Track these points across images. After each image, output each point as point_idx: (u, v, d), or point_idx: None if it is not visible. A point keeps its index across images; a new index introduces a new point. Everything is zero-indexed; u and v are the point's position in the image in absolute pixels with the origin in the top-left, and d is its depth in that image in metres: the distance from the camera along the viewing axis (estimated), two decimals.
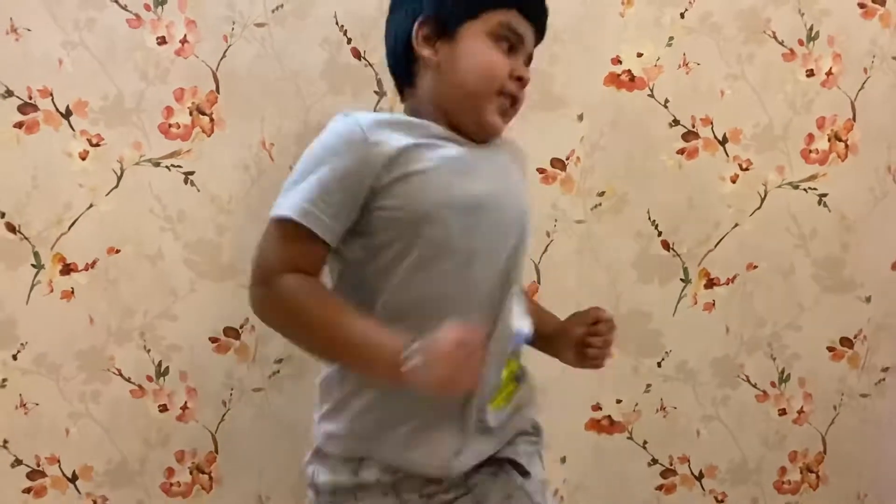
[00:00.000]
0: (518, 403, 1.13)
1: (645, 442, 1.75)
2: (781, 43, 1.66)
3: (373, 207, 1.01)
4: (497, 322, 1.05)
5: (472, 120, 1.08)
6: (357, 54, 1.58)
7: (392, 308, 1.02)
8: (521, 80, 1.08)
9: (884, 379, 1.79)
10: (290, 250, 1.02)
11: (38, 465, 1.61)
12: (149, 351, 1.61)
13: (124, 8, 1.51)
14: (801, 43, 1.66)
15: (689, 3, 1.62)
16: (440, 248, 1.01)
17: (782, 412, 1.77)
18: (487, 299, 1.04)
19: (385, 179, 1.00)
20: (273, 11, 1.55)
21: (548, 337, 1.19)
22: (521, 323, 1.06)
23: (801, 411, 1.78)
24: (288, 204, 1.01)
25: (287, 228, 1.01)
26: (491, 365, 1.03)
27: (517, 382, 1.13)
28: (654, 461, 1.76)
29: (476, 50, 1.06)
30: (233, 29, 1.54)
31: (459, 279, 1.02)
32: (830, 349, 1.77)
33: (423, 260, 1.02)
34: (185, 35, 1.53)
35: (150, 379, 1.62)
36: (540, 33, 1.13)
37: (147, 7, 1.52)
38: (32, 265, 1.56)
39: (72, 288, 1.57)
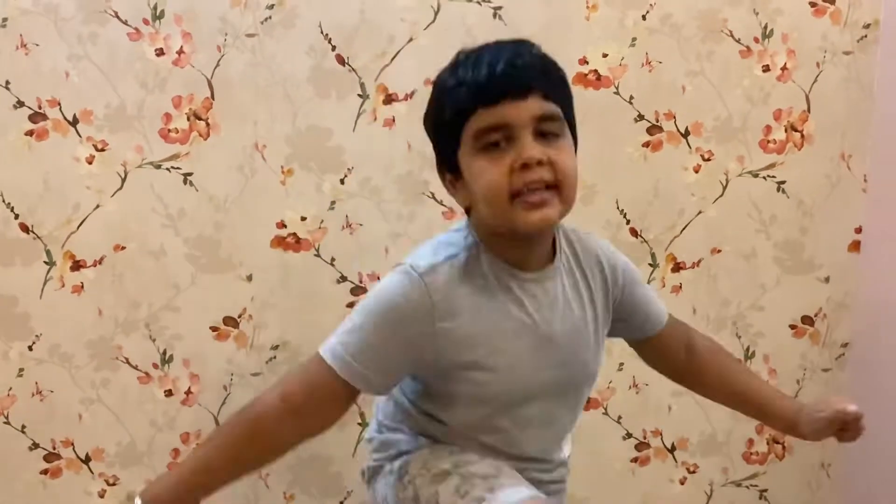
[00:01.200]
0: None
1: (619, 417, 1.87)
2: (738, 41, 1.77)
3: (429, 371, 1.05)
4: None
5: (513, 231, 1.00)
6: (341, 60, 1.69)
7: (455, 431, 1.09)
8: (527, 167, 0.95)
9: (843, 354, 1.90)
10: (322, 388, 1.04)
11: (54, 448, 1.73)
12: (154, 340, 1.73)
13: (125, 23, 1.64)
14: (756, 40, 1.77)
15: (651, 5, 1.73)
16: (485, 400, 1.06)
17: None
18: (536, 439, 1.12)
19: (443, 362, 1.03)
20: (262, 23, 1.66)
21: (777, 421, 1.26)
22: (566, 449, 1.20)
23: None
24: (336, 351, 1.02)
25: (326, 371, 1.03)
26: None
27: None
28: (629, 435, 1.88)
29: (473, 175, 0.99)
30: (225, 40, 1.66)
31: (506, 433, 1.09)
32: (792, 327, 1.88)
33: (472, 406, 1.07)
34: (182, 46, 1.65)
35: (155, 366, 1.74)
36: (537, 89, 0.97)
37: (146, 21, 1.64)
38: (45, 262, 1.68)
39: (81, 283, 1.70)
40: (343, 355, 1.00)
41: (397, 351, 1.01)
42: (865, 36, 1.79)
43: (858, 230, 1.85)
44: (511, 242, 1.03)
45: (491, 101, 0.95)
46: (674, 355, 1.27)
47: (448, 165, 1.03)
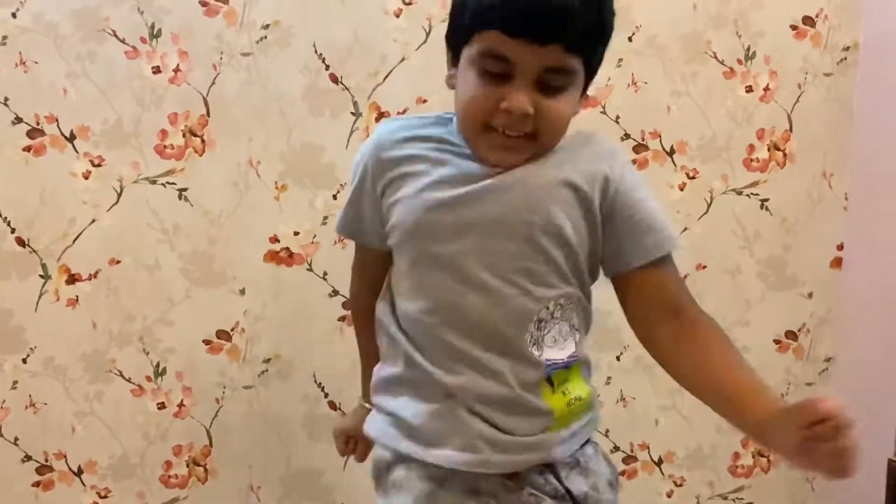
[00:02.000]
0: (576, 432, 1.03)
1: (607, 431, 1.89)
2: (722, 62, 1.82)
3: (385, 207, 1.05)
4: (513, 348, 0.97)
5: (473, 152, 0.98)
6: (335, 79, 1.73)
7: (402, 316, 1.03)
8: (510, 113, 0.91)
9: (827, 369, 1.93)
10: (355, 259, 1.21)
11: (47, 461, 1.74)
12: (147, 353, 1.75)
13: (122, 41, 1.67)
14: (739, 62, 1.82)
15: (637, 27, 1.78)
16: (425, 255, 0.99)
17: None
18: (494, 323, 0.97)
19: (381, 189, 1.04)
20: (257, 42, 1.70)
21: (752, 425, 0.91)
22: (551, 352, 0.99)
23: None
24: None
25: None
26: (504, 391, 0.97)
27: (575, 410, 1.02)
28: (616, 448, 1.90)
29: (463, 84, 0.96)
30: (221, 58, 1.70)
31: (449, 293, 0.97)
32: (777, 342, 1.91)
33: (413, 266, 1.01)
34: (178, 64, 1.69)
35: (148, 379, 1.76)
36: (562, 40, 0.89)
37: (143, 40, 1.68)
38: (40, 276, 1.70)
39: (76, 296, 1.72)
40: (339, 220, 1.15)
41: (356, 194, 1.09)
42: (845, 58, 1.84)
43: (840, 247, 1.89)
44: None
45: (511, 32, 0.89)
46: (652, 312, 1.00)
47: (453, 49, 0.99)
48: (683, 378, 0.99)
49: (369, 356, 1.17)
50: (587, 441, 1.06)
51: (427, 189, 0.99)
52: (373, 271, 1.14)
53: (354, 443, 1.28)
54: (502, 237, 0.96)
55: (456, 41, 0.97)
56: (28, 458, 1.74)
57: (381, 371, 1.08)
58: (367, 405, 1.18)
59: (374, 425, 1.07)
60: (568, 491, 1.00)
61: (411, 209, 1.00)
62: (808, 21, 1.82)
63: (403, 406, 1.01)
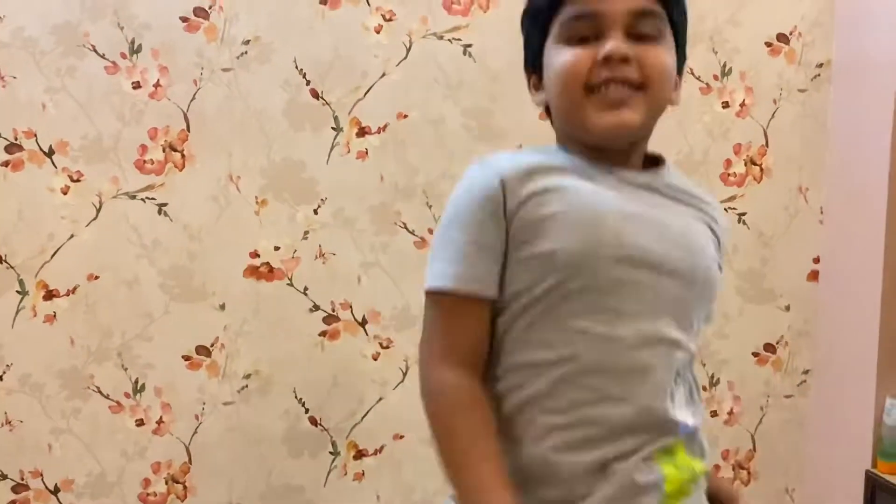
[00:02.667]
0: None
1: None
2: (698, 78, 1.84)
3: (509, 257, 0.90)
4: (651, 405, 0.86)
5: (584, 131, 0.90)
6: (315, 94, 1.74)
7: (511, 374, 0.89)
8: (609, 60, 0.86)
9: (805, 381, 1.95)
10: (450, 325, 0.90)
11: (23, 479, 1.72)
12: (126, 369, 1.74)
13: (102, 56, 1.67)
14: (716, 78, 1.85)
15: None
16: (570, 296, 0.87)
17: (714, 414, 1.92)
18: (639, 376, 0.87)
19: (515, 224, 0.88)
20: (238, 57, 1.71)
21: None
22: (683, 413, 0.88)
23: (731, 412, 1.93)
24: (436, 273, 0.90)
25: (443, 301, 0.90)
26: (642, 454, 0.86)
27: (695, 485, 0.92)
28: None
29: (552, 64, 0.90)
30: (202, 74, 1.70)
31: (598, 342, 0.86)
32: (755, 354, 1.93)
33: (551, 310, 0.87)
34: (158, 80, 1.69)
35: (127, 395, 1.74)
36: None
37: (123, 55, 1.68)
38: (17, 292, 1.69)
39: (54, 312, 1.70)
40: (448, 273, 0.89)
41: (486, 236, 0.88)
42: (819, 75, 1.87)
43: (816, 260, 1.92)
44: (593, 153, 0.91)
45: None
46: None
47: (533, 62, 0.94)
48: None
49: (498, 461, 0.86)
50: None
51: (594, 194, 0.88)
52: (476, 339, 0.90)
53: None
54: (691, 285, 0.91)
55: (540, 38, 0.92)
56: (3, 476, 1.71)
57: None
58: None
59: None
60: None
61: (583, 217, 0.87)
62: (783, 38, 1.85)
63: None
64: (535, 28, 0.93)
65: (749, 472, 1.96)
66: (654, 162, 0.96)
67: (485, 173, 0.89)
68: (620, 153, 0.91)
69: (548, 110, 0.95)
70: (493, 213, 0.88)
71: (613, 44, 0.86)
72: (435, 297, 0.90)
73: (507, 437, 0.88)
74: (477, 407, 0.87)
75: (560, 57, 0.89)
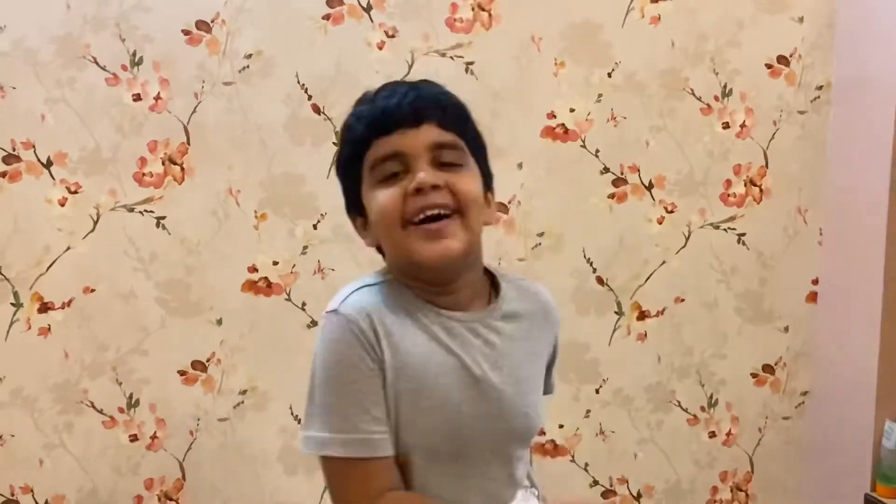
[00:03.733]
0: None
1: (586, 464, 1.88)
2: (699, 99, 1.85)
3: None
4: None
5: (413, 265, 0.94)
6: (317, 109, 1.74)
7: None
8: (421, 190, 0.91)
9: (803, 402, 1.94)
10: (357, 483, 0.94)
11: (13, 495, 1.70)
12: (120, 384, 1.72)
13: (103, 68, 1.66)
14: (716, 99, 1.86)
15: (616, 63, 1.81)
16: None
17: (712, 435, 1.92)
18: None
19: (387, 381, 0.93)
20: (240, 71, 1.70)
21: None
22: None
23: (729, 433, 1.92)
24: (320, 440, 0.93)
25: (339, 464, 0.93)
26: None
27: None
28: (595, 482, 1.89)
29: (371, 206, 0.95)
30: (203, 87, 1.70)
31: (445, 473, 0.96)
32: (754, 375, 1.92)
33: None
34: (159, 92, 1.68)
35: (121, 410, 1.72)
36: (432, 117, 0.94)
37: (124, 67, 1.67)
38: (12, 304, 1.67)
39: (49, 325, 1.69)
40: (331, 439, 0.91)
41: (365, 390, 0.92)
42: (819, 97, 1.88)
43: (815, 281, 1.92)
44: (428, 284, 0.96)
45: (385, 131, 0.94)
46: None
47: (355, 206, 0.99)
48: None
49: None
50: None
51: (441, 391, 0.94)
52: (388, 482, 0.94)
53: None
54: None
55: (355, 183, 0.97)
56: None
57: None
58: None
59: None
60: None
61: (440, 418, 0.94)
62: (783, 60, 1.86)
63: None
64: (349, 176, 0.98)
65: (747, 494, 1.94)
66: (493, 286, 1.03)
67: (343, 327, 0.93)
68: (453, 280, 0.96)
69: (380, 249, 1.00)
70: (361, 369, 0.92)
71: (422, 174, 0.91)
72: (327, 462, 0.95)
73: None
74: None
75: (376, 199, 0.94)
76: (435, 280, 0.96)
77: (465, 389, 0.95)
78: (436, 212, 0.92)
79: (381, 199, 0.93)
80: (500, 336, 0.99)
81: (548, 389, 1.09)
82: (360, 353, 0.92)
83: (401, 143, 0.93)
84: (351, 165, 0.97)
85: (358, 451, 0.91)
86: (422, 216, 0.91)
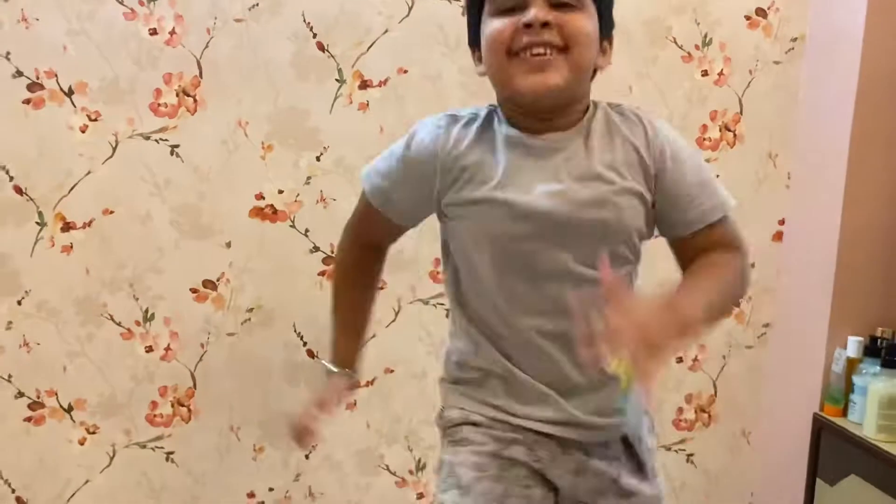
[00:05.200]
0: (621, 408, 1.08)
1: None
2: (681, 47, 1.97)
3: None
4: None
5: (513, 94, 1.01)
6: (321, 47, 1.84)
7: (465, 309, 1.11)
8: (530, 26, 0.96)
9: (765, 333, 2.11)
10: (359, 219, 1.18)
11: (38, 398, 1.85)
12: (137, 299, 1.86)
13: (121, 3, 1.76)
14: (697, 47, 1.97)
15: None
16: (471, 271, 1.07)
17: (680, 360, 2.08)
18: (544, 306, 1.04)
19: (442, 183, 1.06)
20: (249, 9, 1.81)
21: None
22: None
23: (695, 360, 2.09)
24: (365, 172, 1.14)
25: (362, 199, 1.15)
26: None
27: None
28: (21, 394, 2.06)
29: (484, 35, 1.01)
30: (215, 23, 1.80)
31: (491, 302, 1.05)
32: None
33: (463, 275, 1.09)
34: (174, 27, 1.79)
35: (137, 324, 1.87)
36: None
37: (141, 2, 1.77)
38: (37, 223, 1.80)
39: (71, 243, 1.82)
40: (370, 173, 1.12)
41: (412, 171, 1.07)
42: (793, 48, 2.00)
43: (781, 222, 2.07)
44: (525, 114, 1.03)
45: None
46: (686, 263, 1.09)
47: (475, 38, 1.05)
48: None
49: (350, 315, 1.20)
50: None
51: (494, 191, 1.02)
52: (377, 236, 1.19)
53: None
54: (580, 237, 1.02)
55: (477, 16, 1.04)
56: (21, 394, 1.84)
57: (458, 356, 1.13)
58: (345, 371, 1.18)
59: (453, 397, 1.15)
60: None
61: (486, 216, 1.03)
62: (761, 12, 1.97)
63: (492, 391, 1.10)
64: (473, 9, 1.05)
65: (709, 415, 2.12)
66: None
67: (430, 124, 1.08)
68: (550, 113, 1.02)
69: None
70: (416, 165, 1.07)
71: (533, 11, 0.96)
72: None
73: None
74: (348, 270, 1.21)
75: (488, 27, 1.00)
76: (530, 111, 1.02)
77: (534, 171, 1.02)
78: (541, 50, 0.96)
79: (493, 28, 0.99)
80: (580, 149, 1.02)
81: (691, 222, 1.06)
82: (422, 143, 1.07)
83: None
84: (474, 1, 1.04)
85: (371, 192, 1.12)
86: (528, 52, 0.97)
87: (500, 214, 1.02)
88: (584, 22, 0.99)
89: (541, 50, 0.96)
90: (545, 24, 0.96)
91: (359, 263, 1.21)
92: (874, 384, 1.72)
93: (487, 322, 1.08)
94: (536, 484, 1.07)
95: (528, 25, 0.96)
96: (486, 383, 1.10)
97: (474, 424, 1.09)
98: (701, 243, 1.07)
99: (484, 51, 1.02)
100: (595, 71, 1.05)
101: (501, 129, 1.05)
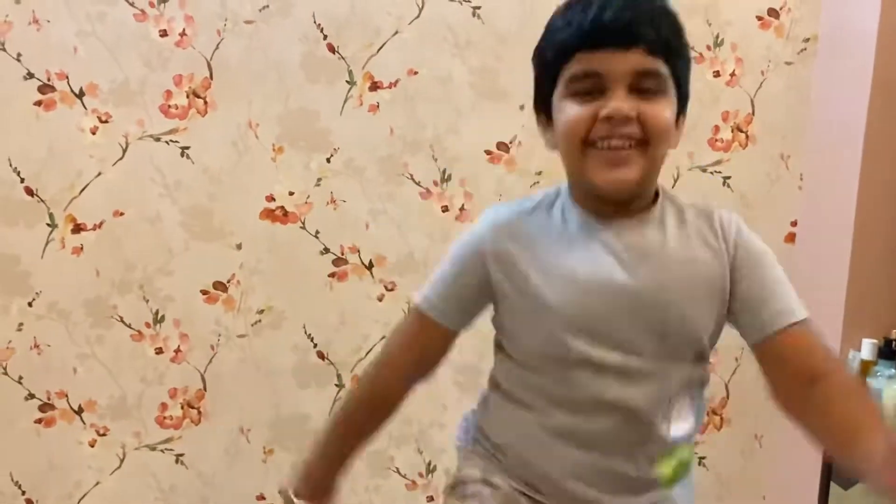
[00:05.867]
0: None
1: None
2: (692, 48, 1.95)
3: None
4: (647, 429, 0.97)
5: (586, 186, 0.96)
6: (332, 49, 1.84)
7: (507, 397, 1.04)
8: (610, 119, 0.90)
9: None
10: (405, 338, 1.09)
11: (49, 399, 1.85)
12: (147, 301, 1.86)
13: (131, 4, 1.77)
14: (708, 48, 1.96)
15: None
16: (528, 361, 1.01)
17: None
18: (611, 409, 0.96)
19: (494, 282, 1.01)
20: (260, 11, 1.81)
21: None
22: (675, 428, 0.98)
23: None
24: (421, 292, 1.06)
25: (413, 311, 1.07)
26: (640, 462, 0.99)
27: (686, 470, 1.02)
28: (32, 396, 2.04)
29: (558, 116, 0.95)
30: (225, 25, 1.80)
31: (558, 384, 0.98)
32: None
33: (518, 364, 1.02)
34: (184, 29, 1.79)
35: (148, 325, 1.87)
36: (642, 42, 0.90)
37: (151, 4, 1.77)
38: (47, 224, 1.80)
39: (81, 245, 1.82)
40: (424, 292, 1.05)
41: (464, 277, 1.03)
42: (805, 49, 1.98)
43: (794, 223, 2.05)
44: (595, 199, 0.98)
45: (591, 47, 0.91)
46: (786, 377, 0.98)
47: (543, 105, 1.00)
48: (811, 436, 0.98)
49: (348, 451, 1.12)
50: None
51: (565, 270, 0.96)
52: (428, 353, 1.08)
53: None
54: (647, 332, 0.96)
55: (549, 86, 0.97)
56: (31, 396, 1.84)
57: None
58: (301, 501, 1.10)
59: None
60: None
61: (563, 291, 0.96)
62: (773, 13, 1.96)
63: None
64: (545, 76, 0.98)
65: (722, 419, 2.11)
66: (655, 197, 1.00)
67: (481, 222, 1.03)
68: (622, 202, 0.97)
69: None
70: (470, 261, 1.02)
71: (615, 104, 0.90)
72: (412, 307, 1.07)
73: None
74: (376, 401, 1.11)
75: (565, 112, 0.94)
76: (605, 202, 0.97)
77: (603, 286, 0.95)
78: (620, 143, 0.91)
79: (570, 114, 0.93)
80: (656, 238, 0.97)
81: (775, 319, 0.97)
82: (472, 256, 1.02)
83: (603, 63, 0.91)
84: (548, 68, 0.96)
85: (427, 307, 1.04)
86: (606, 144, 0.92)
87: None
88: (666, 112, 0.94)
89: (619, 143, 0.92)
90: (627, 118, 0.91)
91: (389, 398, 1.11)
92: (889, 387, 1.70)
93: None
94: None
95: (609, 118, 0.91)
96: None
97: (492, 488, 1.04)
98: (786, 354, 0.98)
99: (559, 134, 0.97)
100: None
101: (572, 216, 1.01)
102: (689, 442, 1.03)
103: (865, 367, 1.79)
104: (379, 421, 1.12)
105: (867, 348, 1.80)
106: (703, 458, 2.11)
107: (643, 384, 0.95)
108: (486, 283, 1.01)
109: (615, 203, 0.97)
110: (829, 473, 1.85)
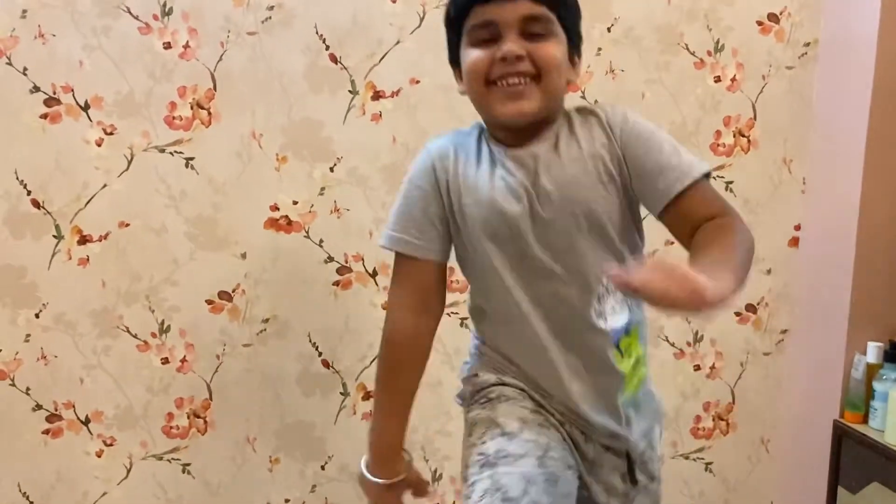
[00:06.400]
0: (640, 400, 1.19)
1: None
2: (693, 53, 1.96)
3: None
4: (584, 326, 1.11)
5: (493, 121, 1.14)
6: (334, 59, 1.86)
7: (480, 314, 1.21)
8: (505, 59, 1.06)
9: (783, 339, 2.09)
10: (400, 274, 1.20)
11: (56, 410, 1.86)
12: (153, 311, 1.87)
13: (136, 18, 1.78)
14: (709, 53, 1.97)
15: (615, 18, 1.92)
16: (478, 269, 1.16)
17: (697, 368, 2.07)
18: (557, 303, 1.11)
19: (447, 204, 1.16)
20: (262, 22, 1.82)
21: None
22: (613, 320, 1.12)
23: (713, 367, 2.07)
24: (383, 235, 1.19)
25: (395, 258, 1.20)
26: (587, 369, 1.13)
27: (643, 367, 1.18)
28: (39, 406, 2.04)
29: (464, 62, 1.11)
30: (228, 37, 1.82)
31: (502, 291, 1.13)
32: (737, 314, 2.07)
33: (474, 280, 1.20)
34: (188, 41, 1.80)
35: (153, 335, 1.88)
36: None
37: (155, 17, 1.79)
38: (54, 236, 1.82)
39: (87, 256, 1.83)
40: (387, 232, 1.19)
41: (420, 206, 1.16)
42: (806, 53, 1.99)
43: (797, 227, 2.05)
44: (502, 129, 1.14)
45: (484, 1, 1.08)
46: (689, 232, 1.06)
47: (455, 59, 1.16)
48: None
49: (406, 398, 1.23)
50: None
51: (492, 192, 1.12)
52: (429, 288, 1.19)
53: None
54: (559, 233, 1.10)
55: (455, 41, 1.14)
56: (39, 406, 1.85)
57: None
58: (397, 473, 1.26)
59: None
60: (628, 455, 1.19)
61: (486, 213, 1.11)
62: (773, 18, 1.97)
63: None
64: (452, 32, 1.15)
65: (728, 423, 2.10)
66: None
67: (428, 154, 1.18)
68: (527, 130, 1.12)
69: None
70: (422, 190, 1.17)
71: (508, 46, 1.07)
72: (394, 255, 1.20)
73: None
74: (412, 346, 1.20)
75: (468, 58, 1.11)
76: (509, 130, 1.13)
77: (512, 195, 1.11)
78: (516, 80, 1.07)
79: (472, 59, 1.09)
80: (553, 146, 1.11)
81: (668, 189, 1.07)
82: (424, 177, 1.16)
83: (494, 13, 1.08)
84: (453, 23, 1.14)
85: (398, 245, 1.17)
86: (504, 82, 1.07)
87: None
88: (554, 50, 1.09)
89: (515, 80, 1.07)
90: (518, 57, 1.06)
91: (414, 337, 1.21)
92: (895, 389, 1.70)
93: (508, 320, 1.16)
94: (571, 449, 1.14)
95: (503, 58, 1.07)
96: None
97: (511, 387, 1.16)
98: (685, 214, 1.07)
99: (465, 78, 1.13)
100: (567, 83, 1.14)
101: (486, 146, 1.16)
102: (641, 341, 1.17)
103: (871, 371, 1.79)
104: (415, 364, 1.21)
105: (872, 351, 1.80)
106: (710, 463, 2.10)
107: (569, 284, 1.10)
108: (448, 206, 1.15)
109: (518, 131, 1.12)
110: (837, 478, 1.85)
